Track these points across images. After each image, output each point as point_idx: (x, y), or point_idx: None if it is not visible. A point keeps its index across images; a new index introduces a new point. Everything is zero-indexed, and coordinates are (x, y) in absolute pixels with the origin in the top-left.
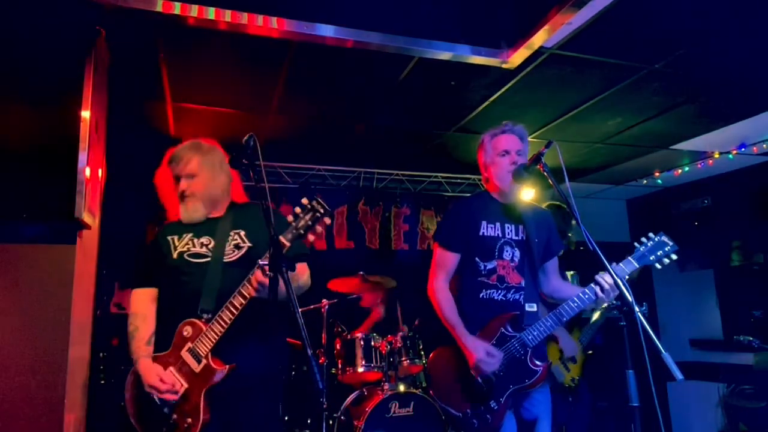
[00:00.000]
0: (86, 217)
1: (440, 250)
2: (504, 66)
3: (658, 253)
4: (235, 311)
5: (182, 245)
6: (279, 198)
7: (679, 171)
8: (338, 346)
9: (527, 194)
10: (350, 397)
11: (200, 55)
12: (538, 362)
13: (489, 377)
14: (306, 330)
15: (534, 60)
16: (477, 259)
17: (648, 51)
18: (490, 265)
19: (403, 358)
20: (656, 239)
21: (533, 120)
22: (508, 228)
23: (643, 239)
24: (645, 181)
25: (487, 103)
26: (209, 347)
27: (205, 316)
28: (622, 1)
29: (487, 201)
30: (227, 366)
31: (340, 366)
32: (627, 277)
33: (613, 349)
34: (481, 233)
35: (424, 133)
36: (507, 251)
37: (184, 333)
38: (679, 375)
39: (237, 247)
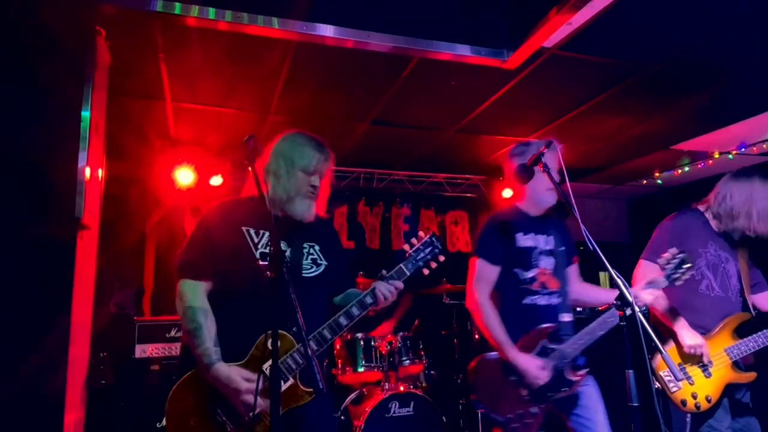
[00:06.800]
0: (86, 217)
1: (481, 263)
2: (504, 66)
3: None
4: (338, 330)
5: (262, 245)
6: None
7: (679, 171)
8: (338, 346)
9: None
10: (350, 397)
11: (200, 55)
12: (575, 373)
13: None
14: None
15: (534, 60)
16: (517, 269)
17: (648, 51)
18: (530, 274)
19: (404, 358)
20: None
21: (533, 120)
22: (541, 239)
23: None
24: (645, 181)
25: (487, 103)
26: (301, 366)
27: (294, 329)
28: (622, 1)
29: (519, 214)
30: (312, 389)
31: (340, 366)
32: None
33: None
34: (518, 245)
35: (424, 134)
36: (543, 260)
37: (271, 345)
38: (679, 375)
39: (315, 263)
